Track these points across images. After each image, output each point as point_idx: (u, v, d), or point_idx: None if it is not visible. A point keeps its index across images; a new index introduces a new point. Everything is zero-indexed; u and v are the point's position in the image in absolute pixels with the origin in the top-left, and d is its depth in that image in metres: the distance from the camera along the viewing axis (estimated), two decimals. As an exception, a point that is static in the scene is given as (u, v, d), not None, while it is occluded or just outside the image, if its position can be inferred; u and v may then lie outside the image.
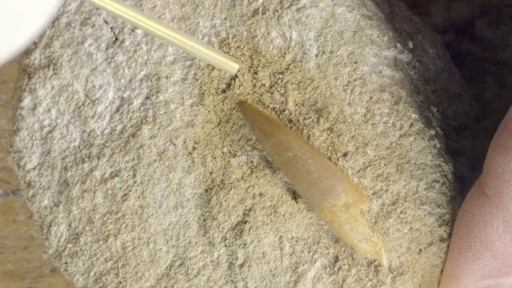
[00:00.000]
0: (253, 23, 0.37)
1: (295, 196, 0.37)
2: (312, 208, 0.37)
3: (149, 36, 0.37)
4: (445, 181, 0.37)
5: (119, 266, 0.38)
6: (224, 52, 0.37)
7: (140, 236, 0.38)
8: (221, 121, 0.37)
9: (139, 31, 0.37)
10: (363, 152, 0.37)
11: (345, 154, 0.37)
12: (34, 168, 0.38)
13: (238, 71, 0.37)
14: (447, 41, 0.44)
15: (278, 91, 0.37)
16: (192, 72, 0.37)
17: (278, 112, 0.37)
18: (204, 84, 0.37)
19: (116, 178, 0.38)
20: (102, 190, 0.38)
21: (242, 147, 0.37)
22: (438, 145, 0.37)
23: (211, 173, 0.37)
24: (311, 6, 0.37)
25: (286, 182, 0.37)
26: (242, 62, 0.37)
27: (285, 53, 0.37)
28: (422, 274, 0.37)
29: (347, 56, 0.37)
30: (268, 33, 0.37)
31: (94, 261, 0.38)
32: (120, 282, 0.38)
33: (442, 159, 0.37)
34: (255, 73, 0.37)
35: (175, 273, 0.38)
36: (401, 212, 0.37)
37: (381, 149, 0.37)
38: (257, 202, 0.37)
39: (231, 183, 0.37)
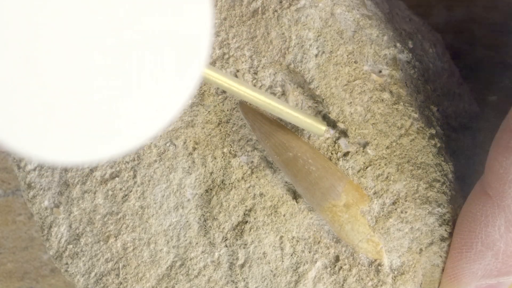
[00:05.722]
0: (252, 23, 0.37)
1: (295, 196, 0.37)
2: (312, 208, 0.37)
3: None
4: (446, 180, 0.37)
5: (120, 266, 0.38)
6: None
7: (140, 237, 0.37)
8: (221, 121, 0.37)
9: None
10: (363, 152, 0.37)
11: (345, 154, 0.37)
12: (34, 169, 0.38)
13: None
14: (447, 42, 0.44)
15: (278, 91, 0.37)
16: (192, 73, 0.37)
17: (278, 112, 0.37)
18: (204, 84, 0.37)
19: (117, 178, 0.38)
20: (102, 190, 0.38)
21: (243, 147, 0.37)
22: (438, 145, 0.37)
23: (211, 173, 0.37)
24: (310, 6, 0.37)
25: (286, 182, 0.37)
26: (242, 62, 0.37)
27: (285, 53, 0.37)
28: (423, 274, 0.37)
29: (347, 56, 0.37)
30: (268, 33, 0.37)
31: (95, 262, 0.38)
32: (121, 283, 0.38)
33: (442, 159, 0.37)
34: (255, 73, 0.37)
35: (176, 273, 0.38)
36: (401, 212, 0.37)
37: (381, 149, 0.37)
38: (258, 202, 0.37)
39: (232, 183, 0.37)
